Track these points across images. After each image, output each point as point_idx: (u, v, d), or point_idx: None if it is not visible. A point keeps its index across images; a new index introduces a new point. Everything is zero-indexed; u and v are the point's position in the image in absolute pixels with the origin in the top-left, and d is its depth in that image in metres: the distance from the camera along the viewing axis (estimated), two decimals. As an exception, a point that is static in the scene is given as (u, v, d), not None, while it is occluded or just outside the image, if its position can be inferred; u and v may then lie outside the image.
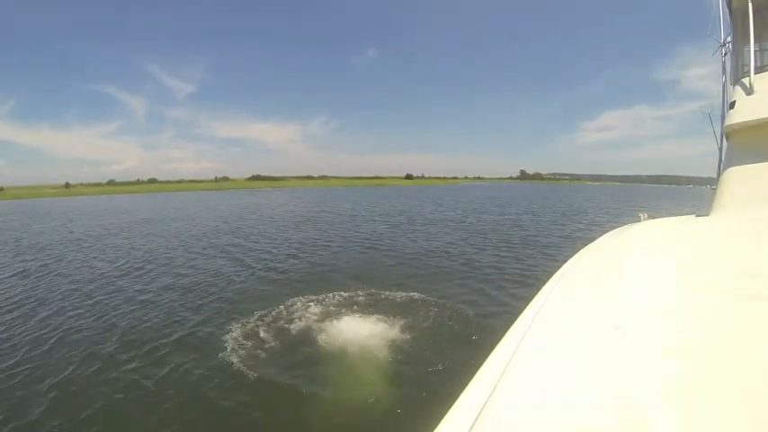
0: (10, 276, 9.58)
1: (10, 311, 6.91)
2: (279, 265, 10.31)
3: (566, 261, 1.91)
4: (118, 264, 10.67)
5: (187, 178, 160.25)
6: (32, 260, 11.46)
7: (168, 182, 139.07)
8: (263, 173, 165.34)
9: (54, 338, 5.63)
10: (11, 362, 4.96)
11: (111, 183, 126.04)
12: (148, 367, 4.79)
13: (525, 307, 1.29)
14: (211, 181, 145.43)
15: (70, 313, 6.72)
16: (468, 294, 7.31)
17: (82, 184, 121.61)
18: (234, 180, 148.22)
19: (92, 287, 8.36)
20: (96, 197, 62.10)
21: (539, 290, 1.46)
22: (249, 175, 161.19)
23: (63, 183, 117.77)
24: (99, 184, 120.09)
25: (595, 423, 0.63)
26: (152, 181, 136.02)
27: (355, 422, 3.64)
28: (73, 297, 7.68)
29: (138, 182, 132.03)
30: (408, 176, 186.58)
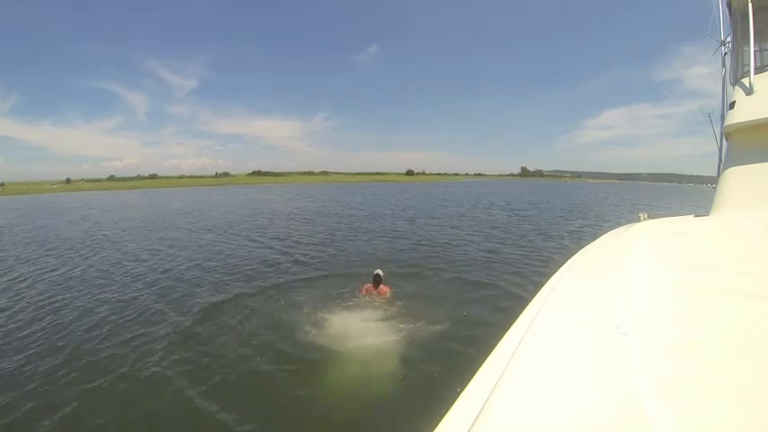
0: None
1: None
2: (297, 256, 10.51)
3: (565, 261, 1.91)
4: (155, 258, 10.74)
5: (188, 174, 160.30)
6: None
7: (169, 177, 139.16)
8: (264, 169, 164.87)
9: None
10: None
11: (111, 178, 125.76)
12: (138, 353, 4.89)
13: (525, 307, 1.30)
14: (212, 176, 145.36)
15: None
16: (479, 289, 7.32)
17: (83, 180, 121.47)
18: (234, 176, 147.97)
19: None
20: (100, 192, 62.01)
21: (538, 290, 1.48)
22: (250, 171, 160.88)
23: (64, 179, 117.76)
24: (99, 180, 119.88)
25: (595, 423, 0.64)
26: (152, 177, 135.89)
27: (356, 417, 3.67)
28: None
29: (138, 177, 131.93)
30: (409, 172, 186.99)
